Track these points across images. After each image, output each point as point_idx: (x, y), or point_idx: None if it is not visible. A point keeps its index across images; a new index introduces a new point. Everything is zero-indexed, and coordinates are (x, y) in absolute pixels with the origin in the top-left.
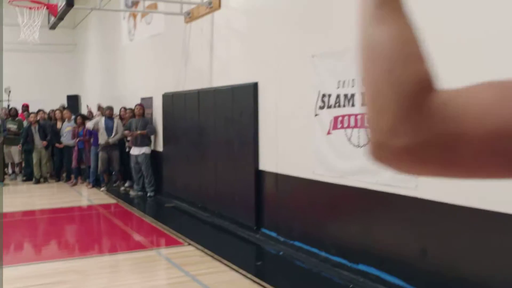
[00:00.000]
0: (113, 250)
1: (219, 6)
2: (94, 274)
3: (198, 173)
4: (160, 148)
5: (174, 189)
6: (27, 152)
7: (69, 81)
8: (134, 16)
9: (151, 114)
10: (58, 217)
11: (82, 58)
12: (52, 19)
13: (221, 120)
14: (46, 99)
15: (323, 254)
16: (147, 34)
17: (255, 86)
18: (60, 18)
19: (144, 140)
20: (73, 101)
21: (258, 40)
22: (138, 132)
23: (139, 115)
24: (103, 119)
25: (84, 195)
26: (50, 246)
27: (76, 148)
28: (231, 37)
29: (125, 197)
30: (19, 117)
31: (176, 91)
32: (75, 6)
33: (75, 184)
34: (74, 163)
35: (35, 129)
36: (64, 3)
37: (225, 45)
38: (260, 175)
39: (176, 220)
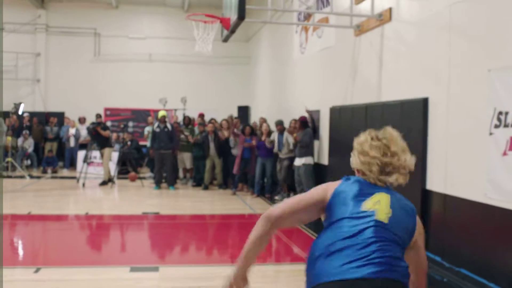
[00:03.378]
0: (275, 260)
1: (390, 18)
2: (254, 283)
3: None
4: (325, 161)
5: None
6: (197, 158)
7: (241, 93)
8: (306, 30)
9: (318, 126)
10: (220, 223)
11: (254, 71)
12: (225, 32)
13: None
14: (219, 108)
15: (492, 285)
16: (317, 47)
17: (425, 101)
18: (232, 31)
19: (303, 151)
20: (244, 112)
21: (429, 54)
22: (295, 134)
23: (299, 128)
24: (276, 134)
25: (248, 204)
26: (211, 250)
27: (239, 155)
28: (401, 50)
29: None
30: (191, 125)
31: (344, 105)
32: (246, 19)
33: (234, 193)
34: (235, 169)
35: (211, 137)
36: (235, 17)
37: (395, 59)
38: (426, 194)
39: None
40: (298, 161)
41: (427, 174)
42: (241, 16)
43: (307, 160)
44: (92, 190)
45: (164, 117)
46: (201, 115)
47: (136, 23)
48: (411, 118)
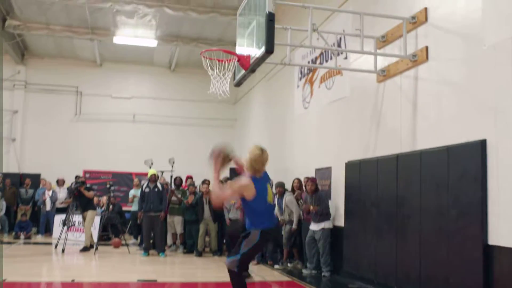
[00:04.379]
0: None
1: (426, 58)
2: None
3: (393, 250)
4: (340, 223)
5: (357, 269)
6: (190, 223)
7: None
8: (311, 83)
9: (329, 185)
10: None
11: (242, 132)
12: (241, 73)
13: (430, 186)
14: (207, 171)
15: None
16: (327, 100)
17: (482, 144)
18: (253, 70)
19: (323, 216)
20: (235, 174)
21: (484, 92)
22: (311, 206)
23: (311, 191)
24: (275, 197)
25: (253, 271)
26: None
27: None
28: (442, 91)
29: (298, 275)
30: (182, 188)
31: (365, 158)
32: (266, 61)
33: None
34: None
35: (205, 200)
36: (260, 51)
37: (435, 101)
38: (490, 251)
39: None
40: (315, 226)
41: (488, 227)
42: (270, 49)
43: (326, 224)
44: (73, 256)
45: (154, 175)
46: (190, 178)
47: (120, 82)
48: (463, 164)
